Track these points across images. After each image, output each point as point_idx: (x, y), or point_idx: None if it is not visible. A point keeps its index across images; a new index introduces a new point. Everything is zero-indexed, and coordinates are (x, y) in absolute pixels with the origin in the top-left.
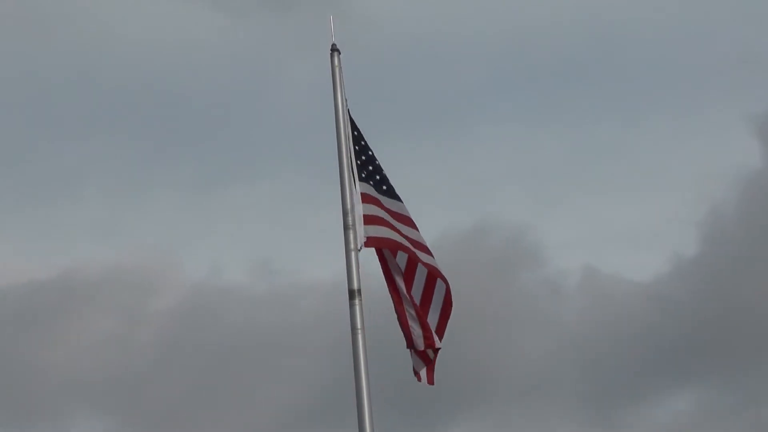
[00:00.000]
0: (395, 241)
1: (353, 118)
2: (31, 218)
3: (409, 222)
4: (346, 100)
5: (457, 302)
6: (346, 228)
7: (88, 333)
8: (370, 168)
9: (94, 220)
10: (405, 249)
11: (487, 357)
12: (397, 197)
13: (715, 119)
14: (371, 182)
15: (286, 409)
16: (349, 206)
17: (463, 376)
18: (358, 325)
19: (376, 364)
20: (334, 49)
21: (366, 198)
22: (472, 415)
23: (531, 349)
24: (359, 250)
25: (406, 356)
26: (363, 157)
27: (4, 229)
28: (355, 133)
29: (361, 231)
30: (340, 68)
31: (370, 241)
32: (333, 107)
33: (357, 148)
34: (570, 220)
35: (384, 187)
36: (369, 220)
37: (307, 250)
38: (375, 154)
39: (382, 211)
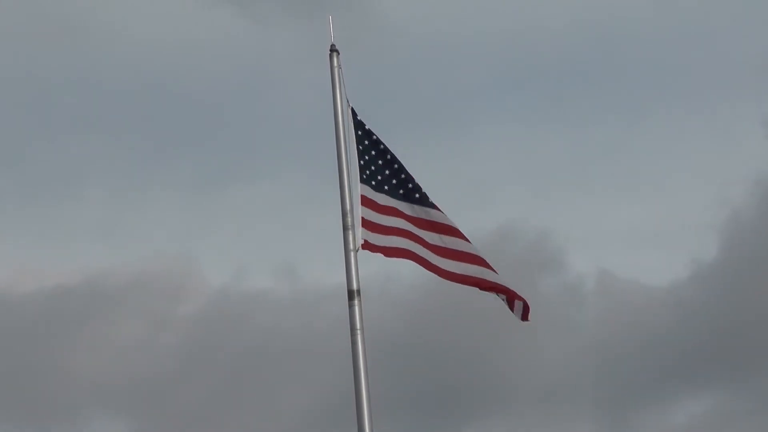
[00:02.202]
0: (394, 248)
1: (361, 118)
2: (36, 220)
3: (419, 222)
4: (347, 100)
5: (470, 305)
6: (345, 229)
7: (113, 338)
8: (372, 168)
9: (102, 223)
10: (406, 254)
11: (504, 361)
12: (404, 196)
13: (732, 121)
14: (372, 184)
15: (309, 412)
16: (348, 207)
17: (481, 380)
18: (358, 326)
19: (399, 369)
20: (333, 50)
21: (365, 201)
22: (490, 418)
23: (548, 353)
24: (356, 251)
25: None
26: (365, 158)
27: (14, 231)
28: (359, 132)
29: (359, 233)
30: (340, 68)
31: (366, 245)
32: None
33: (360, 148)
34: (579, 222)
35: (386, 187)
36: (366, 224)
37: (319, 252)
38: (385, 150)
39: (380, 216)
